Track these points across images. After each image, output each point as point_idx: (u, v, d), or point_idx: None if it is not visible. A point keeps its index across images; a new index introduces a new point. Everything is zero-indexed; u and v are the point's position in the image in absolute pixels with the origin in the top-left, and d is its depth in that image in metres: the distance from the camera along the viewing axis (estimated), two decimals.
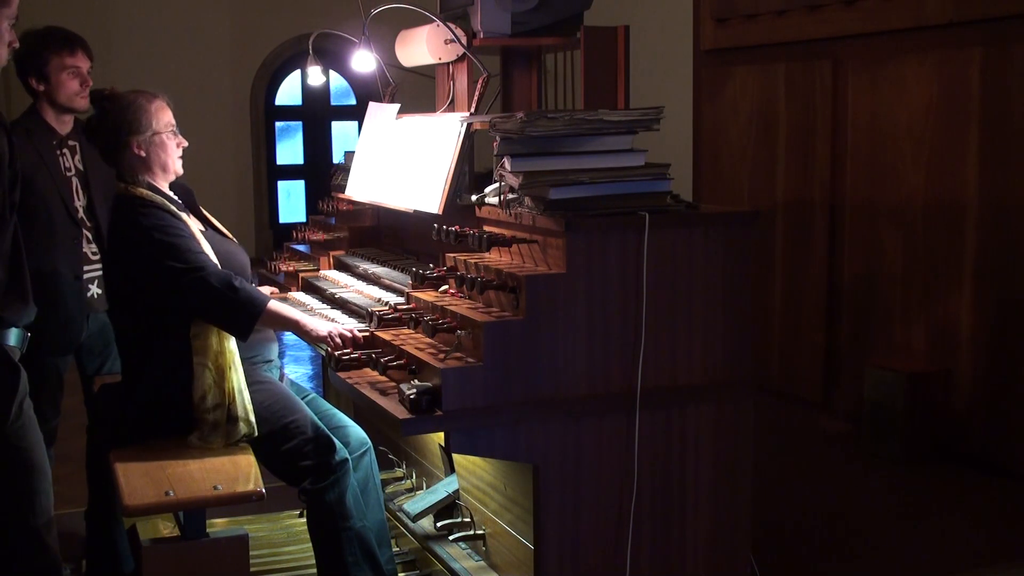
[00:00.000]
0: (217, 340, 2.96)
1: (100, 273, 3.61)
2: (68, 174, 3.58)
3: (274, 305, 3.01)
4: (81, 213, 3.59)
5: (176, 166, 3.14)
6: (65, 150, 3.60)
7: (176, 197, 3.13)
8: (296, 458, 2.96)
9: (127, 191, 3.05)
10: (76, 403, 3.80)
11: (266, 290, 3.64)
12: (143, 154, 3.06)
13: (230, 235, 3.31)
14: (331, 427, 3.18)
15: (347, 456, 3.00)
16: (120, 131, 3.05)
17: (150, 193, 3.03)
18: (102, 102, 3.09)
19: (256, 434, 2.97)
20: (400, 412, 2.52)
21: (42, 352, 3.52)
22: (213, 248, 3.05)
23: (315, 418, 3.05)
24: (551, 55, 7.13)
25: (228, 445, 2.95)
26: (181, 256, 2.92)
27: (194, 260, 2.93)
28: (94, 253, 3.61)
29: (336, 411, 3.32)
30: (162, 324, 2.98)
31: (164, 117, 3.10)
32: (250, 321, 2.95)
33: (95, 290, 3.61)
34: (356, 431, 3.24)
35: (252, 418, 2.96)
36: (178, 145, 3.14)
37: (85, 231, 3.59)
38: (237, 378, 2.97)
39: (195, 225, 3.09)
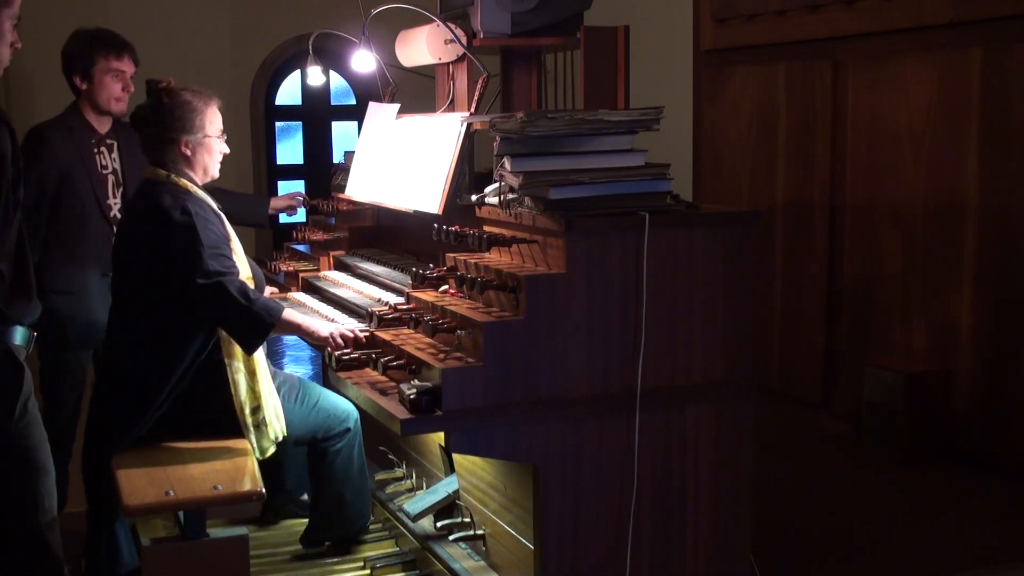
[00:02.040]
0: None
1: None
2: (104, 172, 3.66)
3: (284, 313, 3.01)
4: (115, 211, 3.65)
5: (214, 170, 3.17)
6: (103, 148, 3.69)
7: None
8: (326, 427, 3.17)
9: (169, 179, 3.04)
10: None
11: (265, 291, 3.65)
12: (188, 153, 3.08)
13: None
14: (327, 406, 3.32)
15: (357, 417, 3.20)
16: (172, 127, 3.06)
17: (194, 186, 3.06)
18: (159, 94, 3.10)
19: (285, 434, 3.05)
20: (400, 412, 2.52)
21: (67, 346, 3.58)
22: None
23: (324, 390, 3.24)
24: (551, 55, 7.16)
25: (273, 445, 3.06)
26: (212, 252, 2.91)
27: (220, 262, 2.92)
28: None
29: (324, 391, 3.41)
30: (188, 319, 2.97)
31: (216, 121, 3.14)
32: (264, 331, 2.93)
33: None
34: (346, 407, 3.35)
35: (282, 419, 3.04)
36: (221, 151, 3.17)
37: (115, 227, 3.64)
38: (265, 379, 2.99)
39: (230, 230, 3.11)
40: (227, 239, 3.01)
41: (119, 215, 3.66)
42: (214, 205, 3.07)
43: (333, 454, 3.24)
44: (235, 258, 3.00)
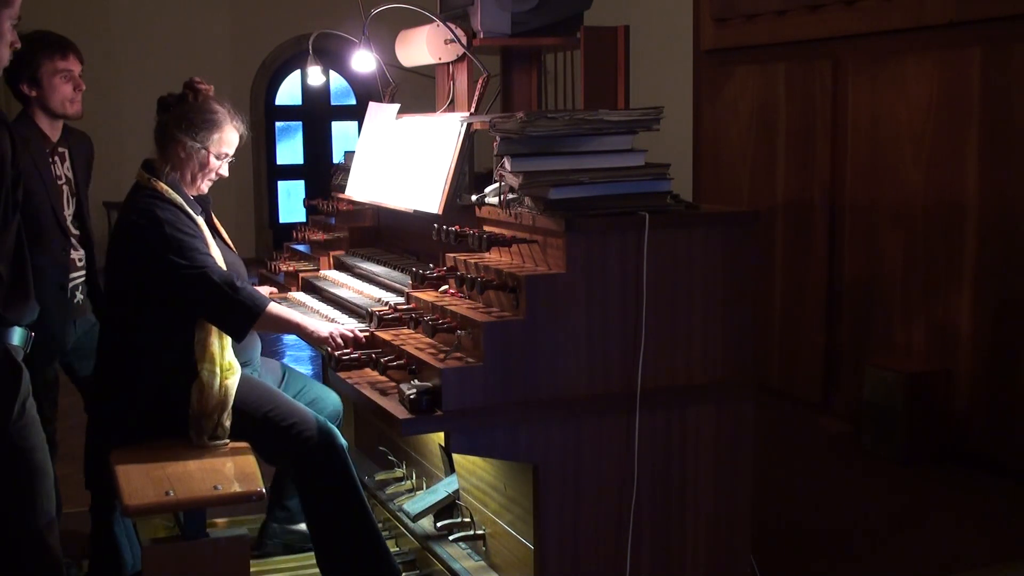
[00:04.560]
0: (219, 344, 2.98)
1: (84, 279, 3.60)
2: (59, 182, 3.53)
3: (274, 308, 3.01)
4: (70, 220, 3.56)
5: (203, 186, 3.17)
6: (56, 157, 3.55)
7: (193, 200, 3.15)
8: (285, 445, 2.99)
9: (148, 183, 3.05)
10: (74, 402, 3.79)
11: (265, 290, 3.65)
12: (182, 156, 3.09)
13: (233, 248, 3.32)
14: (308, 400, 3.29)
15: (343, 443, 3.03)
16: (180, 125, 3.07)
17: (170, 190, 3.05)
18: (192, 91, 3.11)
19: (228, 435, 3.01)
20: (400, 412, 2.52)
21: (29, 361, 3.47)
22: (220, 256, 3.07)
23: (302, 406, 3.08)
24: (551, 55, 7.16)
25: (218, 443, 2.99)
26: (187, 254, 2.94)
27: (199, 259, 2.95)
28: (80, 260, 3.58)
29: (310, 382, 3.39)
30: (164, 325, 2.99)
31: (226, 143, 3.13)
32: (248, 322, 2.97)
33: (80, 296, 3.58)
34: (331, 401, 3.31)
35: (227, 419, 3.00)
36: (216, 172, 3.16)
37: (72, 238, 3.56)
38: (233, 380, 2.99)
39: (206, 232, 3.10)
40: (202, 238, 3.02)
41: (72, 227, 3.56)
42: (189, 209, 3.05)
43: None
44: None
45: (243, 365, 3.14)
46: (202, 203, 3.20)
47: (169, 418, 3.00)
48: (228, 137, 3.13)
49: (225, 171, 3.18)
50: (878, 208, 5.05)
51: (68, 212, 3.55)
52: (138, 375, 3.02)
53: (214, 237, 3.22)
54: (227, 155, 3.16)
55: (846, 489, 4.45)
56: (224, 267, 3.03)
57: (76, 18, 9.59)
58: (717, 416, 2.83)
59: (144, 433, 3.03)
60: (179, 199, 3.05)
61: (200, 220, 3.08)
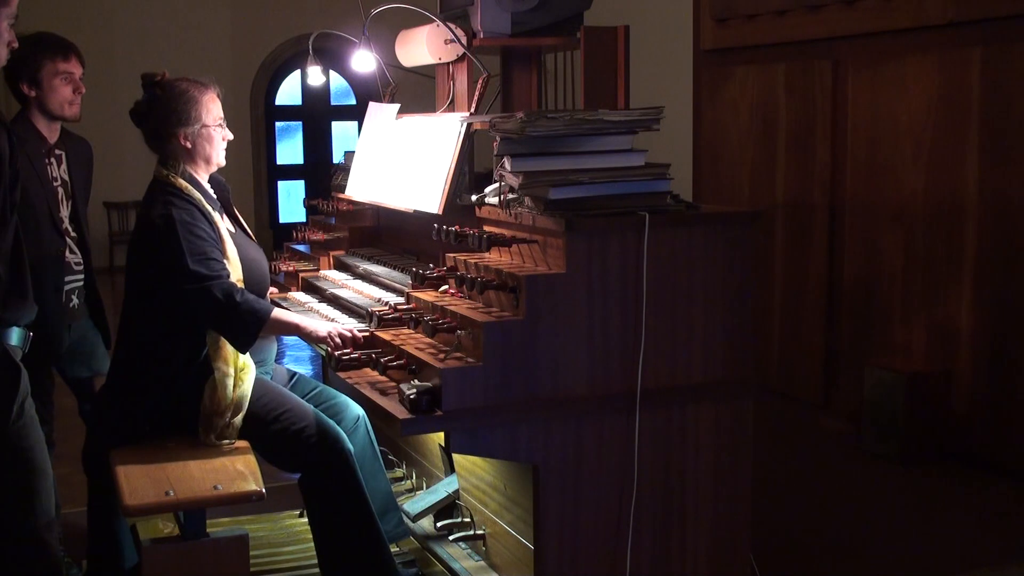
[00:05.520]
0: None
1: (81, 283, 3.58)
2: (55, 184, 3.52)
3: (275, 313, 3.00)
4: (66, 223, 3.55)
5: (219, 159, 3.14)
6: (52, 159, 3.53)
7: (212, 193, 3.13)
8: (294, 449, 2.99)
9: (167, 178, 3.03)
10: (73, 403, 3.79)
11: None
12: (189, 146, 3.06)
13: (253, 237, 3.31)
14: (321, 402, 3.25)
15: (350, 448, 3.02)
16: (168, 121, 3.04)
17: (189, 186, 3.03)
18: (153, 88, 3.07)
19: (236, 436, 3.00)
20: (400, 412, 2.52)
21: (26, 359, 3.46)
22: (239, 253, 3.05)
23: (312, 410, 3.07)
24: (551, 55, 7.16)
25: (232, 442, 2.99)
26: (196, 258, 2.90)
27: (207, 266, 2.91)
28: (77, 263, 3.56)
29: (324, 386, 3.36)
30: (179, 321, 2.98)
31: (214, 110, 3.10)
32: (250, 334, 2.93)
33: (76, 300, 3.57)
34: (347, 403, 3.28)
35: (239, 421, 2.99)
36: (223, 138, 3.14)
37: (69, 240, 3.54)
38: (248, 381, 2.98)
39: (225, 225, 3.09)
40: (216, 241, 2.99)
41: (70, 229, 3.55)
42: (208, 205, 3.03)
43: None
44: (226, 260, 2.98)
45: (257, 364, 3.13)
46: (220, 192, 3.18)
47: (179, 415, 2.99)
48: (212, 102, 3.11)
49: (228, 133, 3.16)
50: (878, 208, 5.05)
51: (63, 214, 3.53)
52: (152, 370, 3.00)
53: (235, 226, 3.22)
54: (221, 117, 3.14)
55: (846, 489, 4.45)
56: (239, 268, 3.01)
57: (76, 18, 9.59)
58: (717, 416, 2.83)
59: (153, 429, 3.02)
60: (197, 194, 3.02)
61: (217, 216, 3.06)
